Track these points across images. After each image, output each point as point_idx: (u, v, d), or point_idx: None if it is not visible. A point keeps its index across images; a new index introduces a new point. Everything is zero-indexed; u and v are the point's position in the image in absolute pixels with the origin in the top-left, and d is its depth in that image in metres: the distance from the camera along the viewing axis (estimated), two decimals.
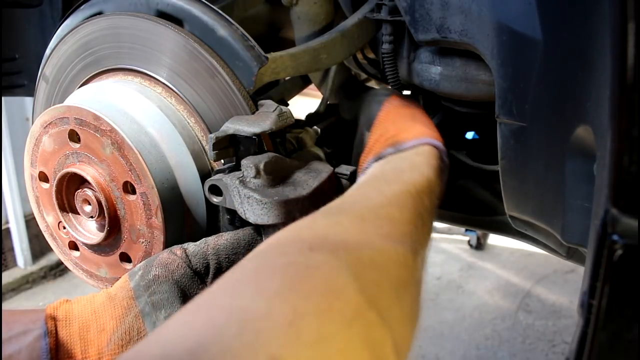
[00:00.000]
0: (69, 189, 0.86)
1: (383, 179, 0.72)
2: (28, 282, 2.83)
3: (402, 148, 0.80)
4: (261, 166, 0.75)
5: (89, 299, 0.69)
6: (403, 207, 0.64)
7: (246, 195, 0.74)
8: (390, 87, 1.04)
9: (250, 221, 0.75)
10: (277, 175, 0.77)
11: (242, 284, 0.45)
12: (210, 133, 0.81)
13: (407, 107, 0.91)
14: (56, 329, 0.64)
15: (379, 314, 0.45)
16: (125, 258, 0.85)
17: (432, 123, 0.88)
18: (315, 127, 0.96)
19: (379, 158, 0.81)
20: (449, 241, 3.09)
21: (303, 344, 0.38)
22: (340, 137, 1.01)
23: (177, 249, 0.74)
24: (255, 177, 0.75)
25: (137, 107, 0.83)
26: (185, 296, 0.71)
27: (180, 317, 0.41)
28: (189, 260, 0.73)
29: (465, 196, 1.18)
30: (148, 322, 0.67)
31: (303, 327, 0.40)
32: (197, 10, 0.84)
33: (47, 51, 0.98)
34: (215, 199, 0.78)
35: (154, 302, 0.68)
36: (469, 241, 3.03)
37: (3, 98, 1.71)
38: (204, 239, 0.76)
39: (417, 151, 0.80)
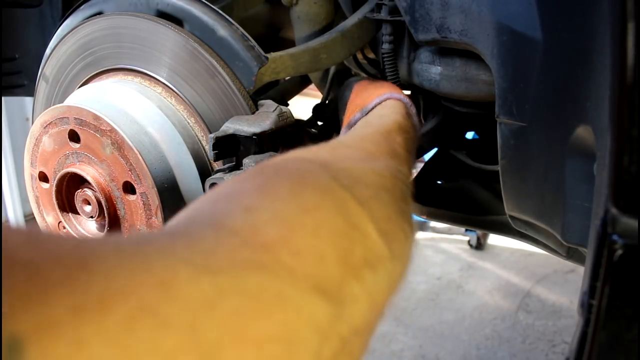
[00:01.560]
0: (69, 189, 0.86)
1: (352, 130, 0.73)
2: None
3: (367, 110, 0.81)
4: None
5: None
6: (374, 142, 0.62)
7: None
8: (359, 75, 1.05)
9: None
10: None
11: (218, 186, 0.45)
12: (210, 133, 0.81)
13: (374, 82, 0.93)
14: None
15: (353, 197, 0.42)
16: None
17: (397, 87, 0.89)
18: (312, 129, 0.96)
19: (349, 127, 0.82)
20: (449, 241, 3.09)
21: (277, 198, 0.38)
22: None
23: None
24: None
25: (137, 107, 0.83)
26: None
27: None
28: None
29: (465, 196, 1.18)
30: None
31: (274, 187, 0.39)
32: (197, 10, 0.84)
33: (47, 51, 0.98)
34: None
35: None
36: (469, 241, 3.03)
37: (3, 98, 1.71)
38: None
39: (381, 106, 0.81)
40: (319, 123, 1.05)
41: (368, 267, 0.38)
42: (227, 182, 0.44)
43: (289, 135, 0.87)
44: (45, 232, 0.26)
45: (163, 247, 0.29)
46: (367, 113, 0.81)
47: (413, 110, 0.84)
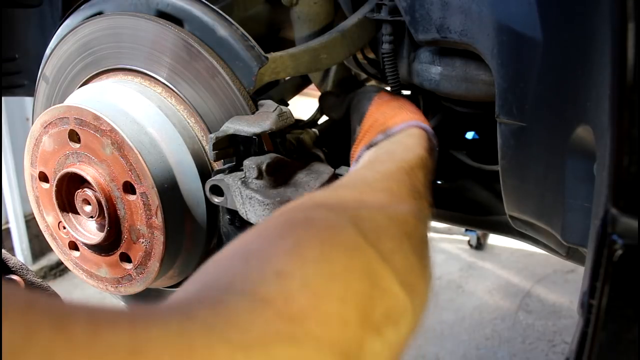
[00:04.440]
0: (69, 189, 0.86)
1: (377, 160, 0.73)
2: None
3: (390, 133, 0.82)
4: (263, 167, 0.75)
5: None
6: (399, 182, 0.64)
7: (248, 196, 0.74)
8: (391, 90, 1.04)
9: (251, 222, 0.75)
10: (279, 176, 0.77)
11: (245, 238, 0.47)
12: (210, 133, 0.81)
13: (396, 99, 0.92)
14: None
15: (378, 254, 0.45)
16: (125, 258, 0.85)
17: (418, 110, 0.90)
18: (313, 129, 0.96)
19: (370, 146, 0.82)
20: (449, 241, 3.09)
21: (307, 262, 0.40)
22: (338, 139, 1.01)
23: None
24: (257, 177, 0.75)
25: (137, 107, 0.83)
26: None
27: (190, 277, 0.43)
28: None
29: (465, 196, 1.18)
30: None
31: (306, 251, 0.41)
32: (197, 11, 0.84)
33: (47, 51, 0.98)
34: (216, 199, 0.78)
35: None
36: (469, 241, 3.03)
37: (3, 98, 1.71)
38: None
39: (405, 133, 0.81)
40: (319, 122, 1.05)
41: (390, 323, 0.42)
42: (258, 235, 0.46)
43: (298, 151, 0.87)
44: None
45: (205, 325, 0.32)
46: (390, 136, 0.81)
47: (435, 142, 0.84)
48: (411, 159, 0.71)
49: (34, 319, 0.25)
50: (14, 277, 0.70)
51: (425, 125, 0.84)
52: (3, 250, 0.71)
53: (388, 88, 1.09)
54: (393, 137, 0.81)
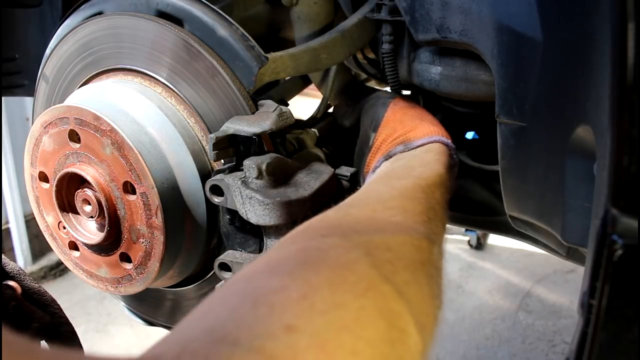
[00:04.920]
0: (69, 189, 0.86)
1: (393, 175, 0.72)
2: None
3: (411, 146, 0.81)
4: (263, 167, 0.75)
5: None
6: (414, 200, 0.63)
7: (248, 195, 0.74)
8: (391, 90, 1.04)
9: (252, 222, 0.75)
10: (279, 176, 0.77)
11: (256, 271, 0.45)
12: (210, 133, 0.81)
13: (413, 107, 0.91)
14: None
15: (394, 288, 0.44)
16: (125, 258, 0.85)
17: (439, 122, 0.88)
18: (313, 129, 0.96)
19: (388, 157, 0.81)
20: (449, 241, 3.09)
21: (317, 312, 0.39)
22: (338, 138, 1.00)
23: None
24: (257, 177, 0.75)
25: (137, 107, 0.83)
26: None
27: (199, 306, 0.42)
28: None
29: (465, 196, 1.18)
30: None
31: (316, 298, 0.40)
32: (197, 11, 0.84)
33: (47, 51, 0.98)
34: (216, 199, 0.78)
35: None
36: (469, 241, 3.03)
37: (3, 98, 1.71)
38: None
39: (426, 148, 0.80)
40: (319, 122, 1.05)
41: None
42: (269, 271, 0.45)
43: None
44: None
45: None
46: (410, 148, 0.80)
47: (456, 159, 0.83)
48: (429, 176, 0.70)
49: None
50: (11, 282, 0.70)
51: (448, 140, 0.83)
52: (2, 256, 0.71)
53: (387, 88, 1.09)
54: (413, 151, 0.80)
